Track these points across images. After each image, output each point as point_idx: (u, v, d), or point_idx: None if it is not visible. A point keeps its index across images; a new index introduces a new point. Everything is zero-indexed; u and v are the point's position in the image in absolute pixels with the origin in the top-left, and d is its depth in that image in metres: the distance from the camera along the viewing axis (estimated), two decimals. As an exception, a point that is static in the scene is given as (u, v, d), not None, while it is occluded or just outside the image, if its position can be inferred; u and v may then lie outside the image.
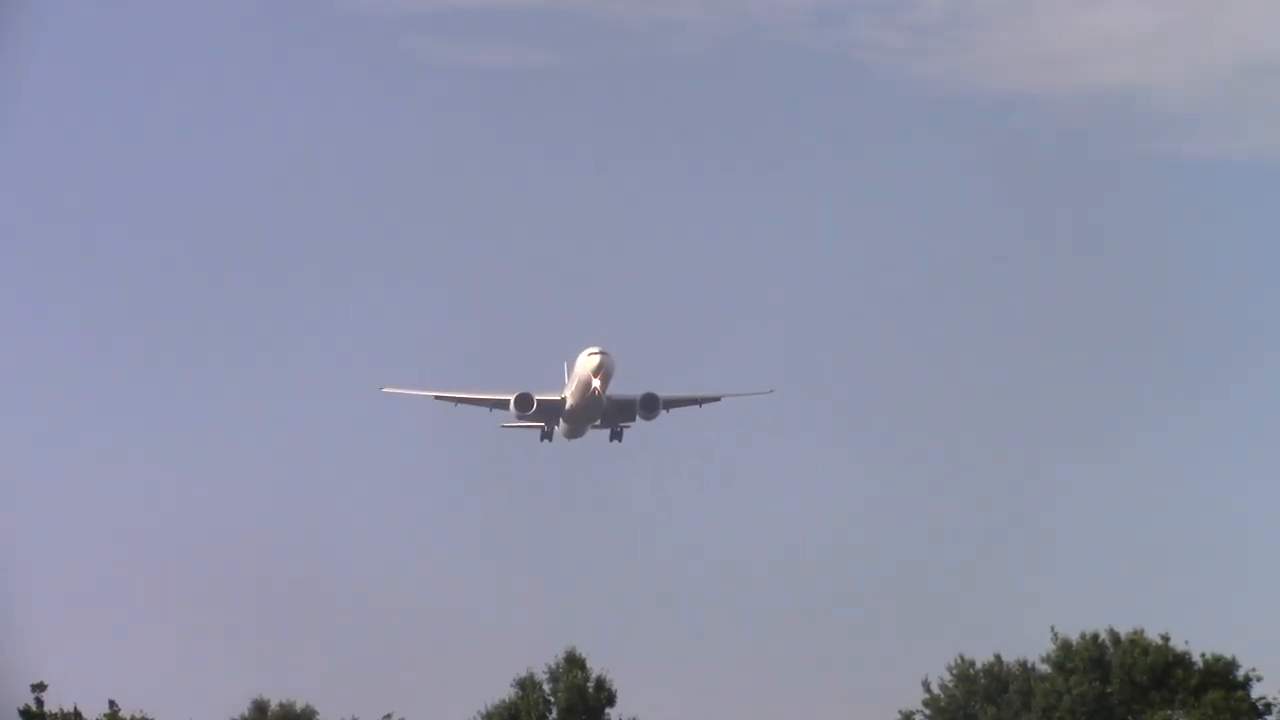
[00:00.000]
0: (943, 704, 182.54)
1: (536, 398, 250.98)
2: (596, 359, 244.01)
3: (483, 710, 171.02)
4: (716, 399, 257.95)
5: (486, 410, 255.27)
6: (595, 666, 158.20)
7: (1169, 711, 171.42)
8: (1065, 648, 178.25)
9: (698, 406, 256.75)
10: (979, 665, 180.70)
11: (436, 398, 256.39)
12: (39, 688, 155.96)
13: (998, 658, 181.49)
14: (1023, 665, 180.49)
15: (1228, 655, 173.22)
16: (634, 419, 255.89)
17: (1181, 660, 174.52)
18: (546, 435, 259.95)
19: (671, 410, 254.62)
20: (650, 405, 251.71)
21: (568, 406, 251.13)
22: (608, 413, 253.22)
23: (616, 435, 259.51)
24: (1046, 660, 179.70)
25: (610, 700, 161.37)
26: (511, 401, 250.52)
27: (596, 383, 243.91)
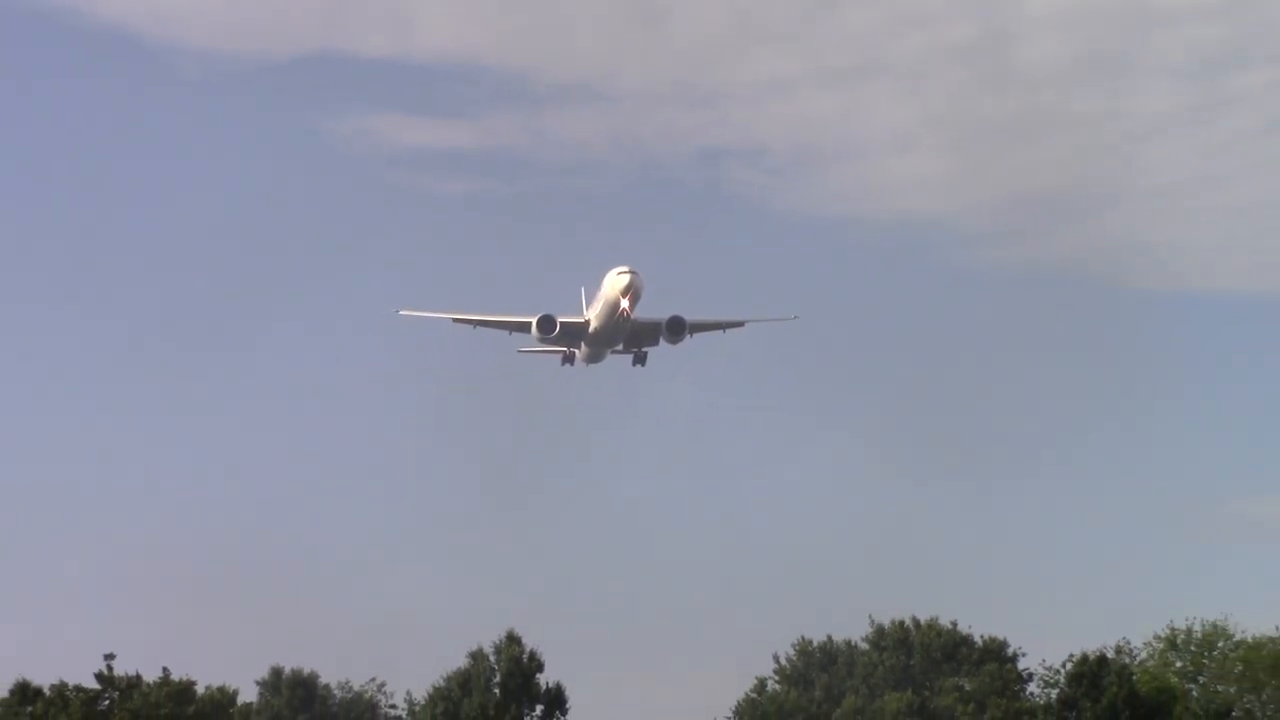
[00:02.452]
0: (788, 672, 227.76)
1: (560, 320, 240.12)
2: (626, 278, 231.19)
3: (444, 675, 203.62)
4: (740, 324, 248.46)
5: (506, 334, 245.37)
6: (530, 643, 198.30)
7: (957, 679, 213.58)
8: (879, 630, 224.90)
9: (722, 332, 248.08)
10: (815, 643, 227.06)
11: (455, 320, 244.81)
12: (109, 657, 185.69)
13: (829, 637, 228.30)
14: (848, 643, 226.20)
15: (1000, 636, 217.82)
16: (657, 342, 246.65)
17: (966, 640, 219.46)
18: (568, 359, 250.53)
19: (695, 335, 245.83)
20: (676, 328, 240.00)
21: (591, 329, 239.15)
22: (632, 335, 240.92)
23: (640, 359, 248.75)
24: (865, 640, 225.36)
25: (540, 668, 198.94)
26: (534, 324, 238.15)
27: (625, 303, 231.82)
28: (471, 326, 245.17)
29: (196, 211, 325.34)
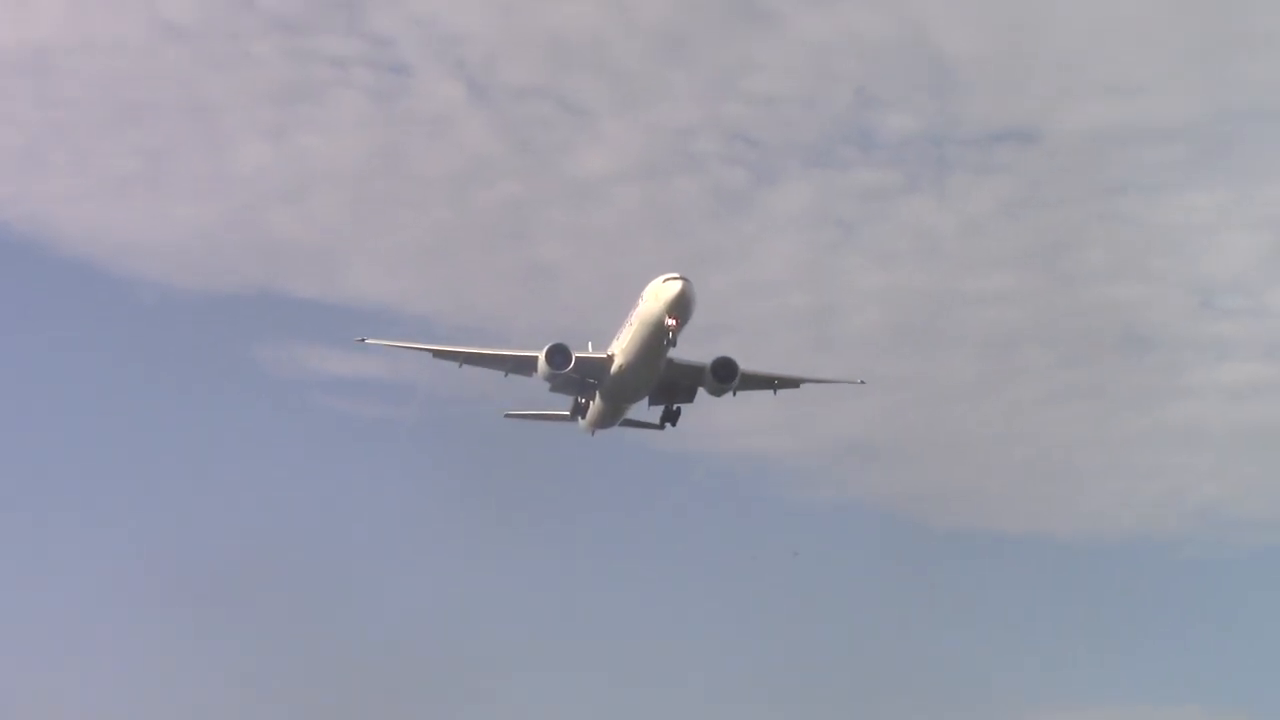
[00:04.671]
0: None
1: (576, 355, 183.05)
2: (677, 285, 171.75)
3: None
4: (796, 384, 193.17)
5: (501, 376, 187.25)
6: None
7: None
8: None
9: (772, 391, 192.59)
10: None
11: (436, 354, 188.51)
12: None
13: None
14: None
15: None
16: (693, 397, 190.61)
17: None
18: (580, 410, 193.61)
19: (739, 393, 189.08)
20: (725, 374, 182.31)
21: (616, 367, 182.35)
22: (667, 382, 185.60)
23: (670, 417, 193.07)
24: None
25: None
26: (542, 357, 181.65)
27: (671, 322, 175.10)
28: (456, 364, 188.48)
29: (146, 415, 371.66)
